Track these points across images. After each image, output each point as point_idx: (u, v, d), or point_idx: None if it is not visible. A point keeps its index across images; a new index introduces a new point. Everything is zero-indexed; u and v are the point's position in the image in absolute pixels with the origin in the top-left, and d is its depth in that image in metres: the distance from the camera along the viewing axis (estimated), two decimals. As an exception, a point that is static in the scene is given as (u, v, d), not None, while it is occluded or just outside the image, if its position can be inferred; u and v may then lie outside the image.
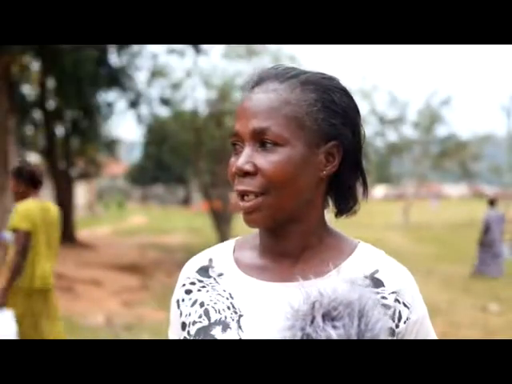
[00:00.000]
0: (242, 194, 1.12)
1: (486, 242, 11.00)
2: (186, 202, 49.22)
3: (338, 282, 1.03)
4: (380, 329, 1.01)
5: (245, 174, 1.11)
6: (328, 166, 1.14)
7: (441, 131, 34.14)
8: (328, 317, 0.99)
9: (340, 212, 1.21)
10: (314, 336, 0.98)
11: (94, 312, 8.37)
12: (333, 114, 1.13)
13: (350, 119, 1.15)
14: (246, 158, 1.11)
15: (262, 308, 1.12)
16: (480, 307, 9.03)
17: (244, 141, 1.13)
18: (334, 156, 1.15)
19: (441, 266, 13.68)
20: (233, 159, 1.15)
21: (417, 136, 34.28)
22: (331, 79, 1.16)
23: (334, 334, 0.98)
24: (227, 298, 1.16)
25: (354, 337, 0.98)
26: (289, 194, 1.12)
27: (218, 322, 1.14)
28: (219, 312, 1.15)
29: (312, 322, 0.99)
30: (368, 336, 0.99)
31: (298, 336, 0.99)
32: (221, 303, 1.16)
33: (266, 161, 1.10)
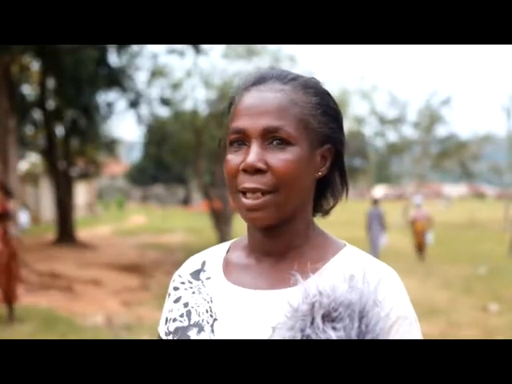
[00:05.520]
0: (245, 192, 1.12)
1: (369, 234, 13.67)
2: (186, 202, 49.23)
3: (337, 281, 1.02)
4: (380, 330, 1.00)
5: (256, 171, 1.10)
6: (322, 167, 1.17)
7: (441, 131, 34.18)
8: (328, 318, 0.98)
9: (320, 211, 1.23)
10: (314, 337, 0.97)
11: (93, 312, 8.37)
12: (330, 118, 1.17)
13: (341, 124, 1.20)
14: (257, 155, 1.10)
15: (236, 313, 1.14)
16: (480, 307, 9.03)
17: (250, 138, 1.12)
18: (326, 158, 1.18)
19: (441, 266, 13.69)
20: (232, 156, 1.14)
21: (417, 136, 34.30)
22: (323, 84, 1.20)
23: (334, 336, 0.96)
24: (208, 302, 1.19)
25: (354, 338, 0.97)
26: (294, 193, 1.13)
27: (195, 324, 1.17)
28: (199, 315, 1.18)
29: (312, 323, 0.98)
30: (368, 337, 0.98)
31: (298, 337, 0.98)
32: (202, 306, 1.18)
33: (278, 159, 1.11)
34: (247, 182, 1.11)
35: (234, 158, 1.14)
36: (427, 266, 13.32)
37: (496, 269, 13.13)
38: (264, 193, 1.11)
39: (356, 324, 0.98)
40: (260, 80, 1.17)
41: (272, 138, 1.11)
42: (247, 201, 1.11)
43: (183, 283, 1.25)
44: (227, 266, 1.23)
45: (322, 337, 0.97)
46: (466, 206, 39.27)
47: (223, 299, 1.17)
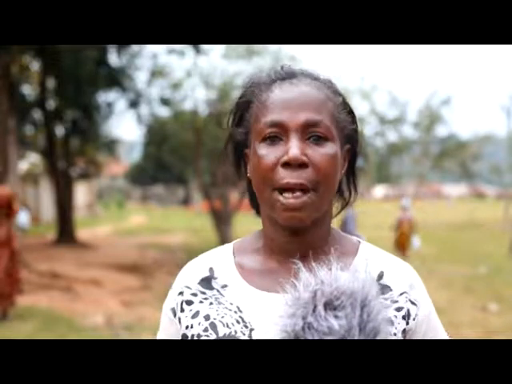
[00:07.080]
0: (284, 189, 1.06)
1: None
2: (186, 202, 49.19)
3: (339, 271, 1.02)
4: (382, 319, 1.00)
5: (299, 165, 1.06)
6: (343, 168, 1.16)
7: (441, 131, 34.24)
8: (330, 306, 0.98)
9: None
10: (316, 325, 0.97)
11: (93, 312, 8.36)
12: (352, 119, 1.16)
13: (358, 126, 1.18)
14: (299, 148, 1.06)
15: (272, 321, 1.08)
16: (480, 307, 9.03)
17: (288, 132, 1.08)
18: (345, 160, 1.16)
19: (441, 266, 13.68)
20: (266, 151, 1.09)
21: (417, 136, 34.34)
22: None
23: (335, 324, 0.96)
24: (235, 312, 1.12)
25: (355, 327, 0.97)
26: (330, 191, 1.10)
27: (227, 336, 1.10)
28: (227, 326, 1.11)
29: (314, 310, 0.98)
30: (370, 326, 0.98)
31: (300, 325, 0.98)
32: (228, 317, 1.12)
33: (318, 154, 1.07)
34: (290, 178, 1.06)
35: (270, 153, 1.08)
36: (427, 266, 13.30)
37: (496, 269, 13.13)
38: (305, 191, 1.06)
39: (358, 313, 0.98)
40: (290, 74, 1.14)
41: (310, 132, 1.08)
42: (288, 200, 1.06)
43: (195, 295, 1.17)
44: (243, 271, 1.16)
45: (324, 325, 0.97)
46: (466, 206, 39.24)
47: (253, 307, 1.11)
